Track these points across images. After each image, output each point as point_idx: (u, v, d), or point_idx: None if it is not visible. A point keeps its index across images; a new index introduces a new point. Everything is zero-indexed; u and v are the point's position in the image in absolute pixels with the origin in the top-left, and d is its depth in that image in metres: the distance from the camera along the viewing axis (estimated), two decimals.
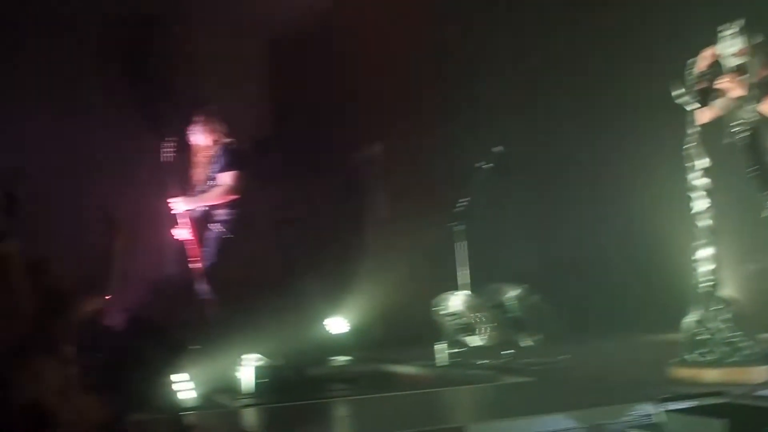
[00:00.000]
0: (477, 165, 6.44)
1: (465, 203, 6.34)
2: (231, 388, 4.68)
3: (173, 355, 2.78)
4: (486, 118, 8.33)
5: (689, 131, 4.20)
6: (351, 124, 9.93)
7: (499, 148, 6.38)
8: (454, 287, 6.32)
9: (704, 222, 4.13)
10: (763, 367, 3.81)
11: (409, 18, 9.00)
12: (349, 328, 7.31)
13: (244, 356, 4.78)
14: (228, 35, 9.27)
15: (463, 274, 6.27)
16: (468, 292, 6.11)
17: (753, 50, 4.22)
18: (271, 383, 4.71)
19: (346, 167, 9.90)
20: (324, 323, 7.17)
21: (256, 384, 4.66)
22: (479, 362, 5.56)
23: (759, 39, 4.23)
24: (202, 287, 5.65)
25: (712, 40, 4.34)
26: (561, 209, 7.91)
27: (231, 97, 8.57)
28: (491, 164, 6.38)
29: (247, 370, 4.67)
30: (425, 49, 9.09)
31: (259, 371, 4.69)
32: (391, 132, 9.22)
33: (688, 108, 4.24)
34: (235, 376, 4.73)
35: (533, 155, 7.98)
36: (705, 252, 4.11)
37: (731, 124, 4.41)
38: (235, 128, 6.75)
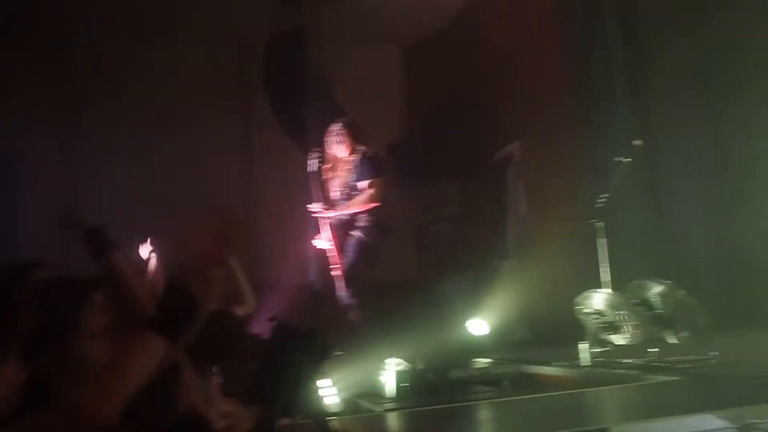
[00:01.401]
0: (616, 159, 6.31)
1: (605, 199, 6.23)
2: (373, 393, 4.85)
3: (319, 360, 2.95)
4: (626, 111, 8.13)
5: None
6: (489, 124, 9.98)
7: (638, 142, 6.22)
8: (597, 285, 6.23)
9: None
10: None
11: (543, 11, 8.94)
12: (490, 329, 7.35)
13: (386, 360, 4.94)
14: (363, 43, 9.58)
15: (605, 272, 6.16)
16: (610, 290, 6.00)
17: None
18: (413, 387, 4.83)
19: (486, 167, 9.96)
20: (465, 325, 7.25)
21: (398, 388, 4.79)
22: (624, 361, 5.45)
23: None
24: (344, 293, 5.90)
25: None
26: (704, 201, 7.58)
27: (370, 105, 8.87)
28: (630, 158, 6.23)
29: (389, 375, 4.81)
30: (561, 43, 8.97)
31: (401, 375, 4.82)
32: (529, 129, 9.19)
33: None
34: (378, 381, 4.89)
35: (676, 146, 7.71)
36: None
37: None
38: (373, 136, 7.00)
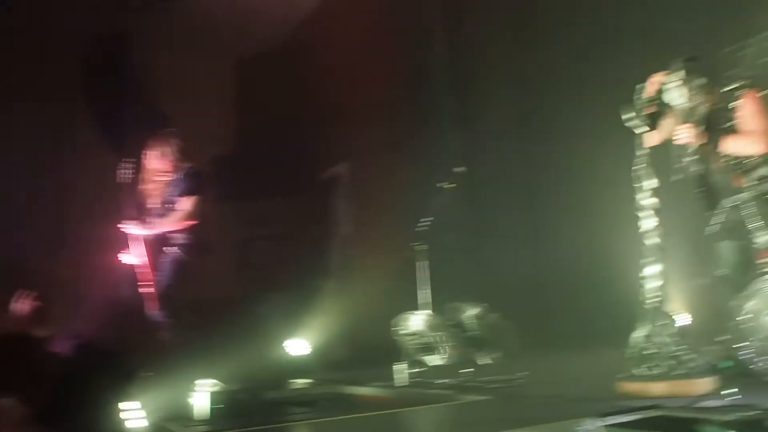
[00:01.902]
0: (439, 184, 6.51)
1: (427, 223, 6.40)
2: (184, 416, 4.63)
3: (122, 381, 2.73)
4: (450, 138, 8.44)
5: (638, 153, 4.32)
6: (318, 142, 9.97)
7: (461, 168, 6.46)
8: (416, 307, 6.36)
9: (652, 240, 4.24)
10: (706, 379, 3.92)
11: (375, 39, 9.08)
12: (309, 349, 7.29)
13: (198, 381, 4.74)
14: (192, 54, 9.27)
15: (424, 294, 6.32)
16: (428, 311, 6.16)
17: (698, 91, 4.34)
18: (227, 409, 4.67)
19: (311, 186, 9.92)
20: (284, 345, 7.15)
21: (211, 410, 4.61)
22: (438, 381, 5.59)
23: (700, 79, 4.35)
24: (156, 312, 5.61)
25: (663, 66, 4.44)
26: (518, 229, 8.02)
27: (195, 118, 8.56)
28: (453, 184, 6.45)
29: (201, 396, 4.62)
30: (392, 68, 9.16)
31: (215, 397, 4.64)
32: (357, 151, 9.27)
33: (637, 131, 4.36)
34: (189, 403, 4.68)
35: (495, 175, 8.09)
36: (652, 269, 4.22)
37: (676, 150, 4.52)
38: (199, 149, 6.74)
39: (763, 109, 4.40)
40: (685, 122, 4.37)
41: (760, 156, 4.33)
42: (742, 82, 4.46)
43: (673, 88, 4.33)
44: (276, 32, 9.92)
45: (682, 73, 4.30)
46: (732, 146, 4.34)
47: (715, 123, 4.37)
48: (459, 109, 8.55)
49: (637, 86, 4.44)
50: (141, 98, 8.73)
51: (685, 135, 4.37)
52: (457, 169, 6.38)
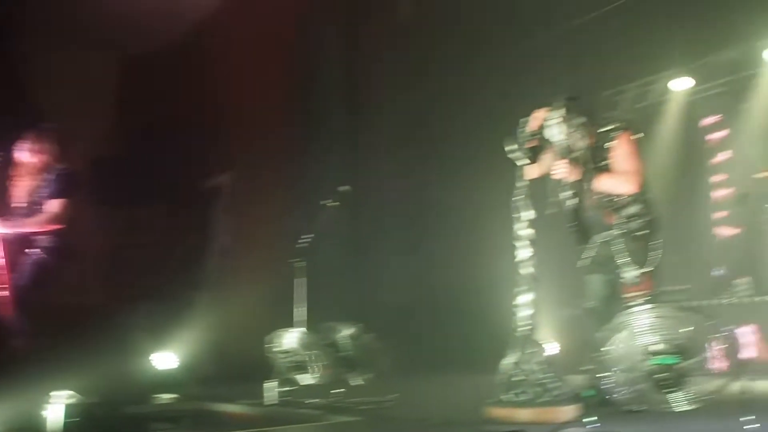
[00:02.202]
0: (323, 202, 6.46)
1: (308, 240, 6.33)
2: (36, 429, 4.33)
3: None
4: (337, 156, 8.42)
5: (518, 185, 4.43)
6: (200, 151, 9.70)
7: (345, 187, 6.43)
8: (292, 324, 6.26)
9: (526, 270, 4.33)
10: (569, 407, 4.03)
11: (267, 51, 8.96)
12: (177, 363, 7.02)
13: (53, 393, 4.44)
14: (78, 49, 8.85)
15: (300, 312, 6.23)
16: (302, 329, 6.07)
17: (577, 130, 4.50)
18: (83, 422, 4.40)
19: (191, 195, 9.64)
20: (151, 358, 6.85)
21: (66, 424, 4.33)
22: (308, 401, 5.50)
23: (580, 118, 4.52)
24: (10, 317, 5.23)
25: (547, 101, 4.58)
26: (399, 251, 8.10)
27: (76, 116, 8.14)
28: (336, 202, 6.41)
29: (55, 408, 4.33)
30: (283, 82, 9.07)
31: (70, 409, 4.36)
32: (241, 162, 9.09)
33: (519, 163, 4.46)
34: (42, 415, 4.38)
35: (379, 196, 8.14)
36: (525, 298, 4.32)
37: (554, 184, 4.67)
38: (76, 148, 6.39)
39: (635, 151, 4.60)
40: (563, 158, 4.52)
41: (630, 195, 4.53)
42: (618, 125, 4.66)
43: (554, 125, 4.47)
44: (168, 34, 9.62)
45: (562, 111, 4.45)
46: (605, 184, 4.51)
47: (591, 161, 4.53)
48: (348, 129, 8.56)
49: (522, 120, 4.56)
50: (17, 89, 8.23)
51: (563, 170, 4.52)
52: (341, 188, 6.35)
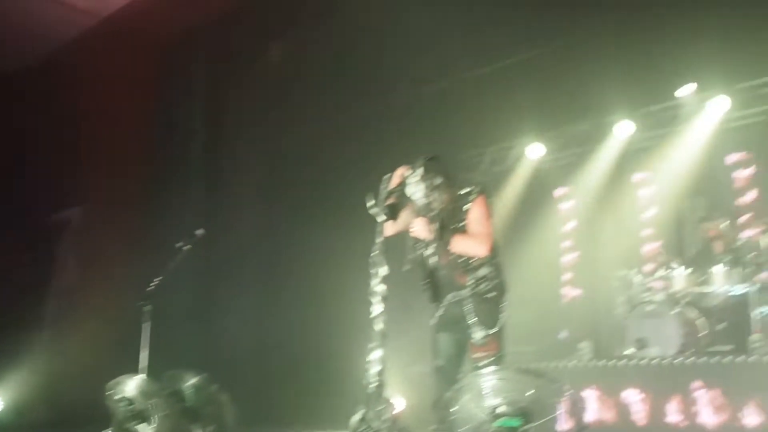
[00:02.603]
0: (177, 245, 6.24)
1: (158, 283, 6.08)
2: None
3: None
4: (194, 200, 8.22)
5: (376, 240, 4.44)
6: (52, 182, 9.20)
7: (200, 231, 6.25)
8: (137, 370, 5.95)
9: (378, 326, 4.33)
10: None
11: (129, 89, 8.68)
12: (5, 405, 6.50)
13: None
14: None
15: (145, 358, 5.94)
16: (144, 376, 5.78)
17: (434, 190, 4.60)
18: None
19: (36, 229, 9.09)
20: None
21: None
22: None
23: (439, 179, 4.62)
24: None
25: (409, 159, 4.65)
26: (253, 300, 7.94)
27: None
28: (190, 246, 6.22)
29: None
30: (142, 122, 8.81)
31: None
32: (96, 199, 8.69)
33: (378, 220, 4.49)
34: None
35: (236, 243, 7.98)
36: (376, 354, 4.30)
37: (412, 241, 4.73)
38: None
39: (489, 214, 4.72)
40: (421, 216, 4.59)
41: (482, 257, 4.64)
42: (475, 188, 4.78)
43: (413, 183, 4.55)
44: (26, 58, 9.16)
45: (421, 170, 4.54)
46: (459, 246, 4.59)
47: (448, 221, 4.61)
48: (207, 173, 8.38)
49: (384, 176, 4.60)
50: None
51: (420, 228, 4.58)
52: (196, 231, 6.17)
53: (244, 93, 8.40)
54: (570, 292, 10.03)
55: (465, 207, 4.65)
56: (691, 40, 7.50)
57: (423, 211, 4.58)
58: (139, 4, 8.28)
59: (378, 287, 4.36)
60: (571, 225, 10.32)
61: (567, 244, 10.29)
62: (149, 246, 7.86)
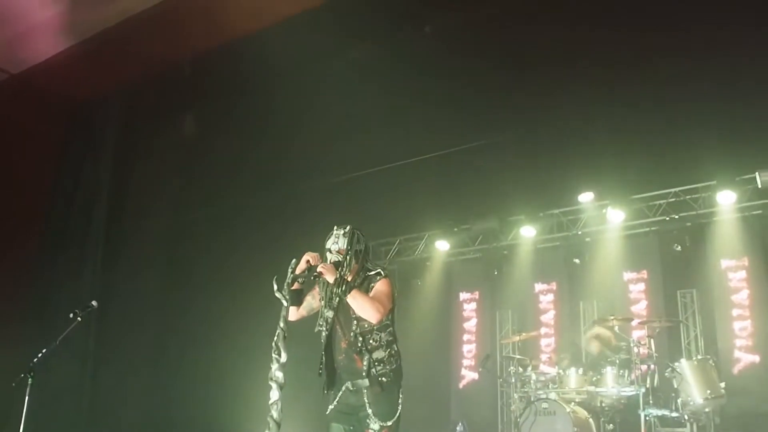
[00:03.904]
0: (70, 315, 5.99)
1: (43, 353, 5.79)
2: None
3: None
4: (87, 271, 7.93)
5: (280, 325, 4.38)
6: None
7: (94, 303, 6.03)
8: None
9: (275, 413, 4.22)
10: None
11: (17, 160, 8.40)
12: None
13: None
14: None
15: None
16: None
17: (351, 252, 4.64)
18: None
19: None
20: None
21: None
22: None
23: (359, 246, 4.67)
24: None
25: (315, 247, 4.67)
26: (142, 378, 7.61)
27: None
28: (80, 317, 5.97)
29: None
30: (36, 190, 8.52)
31: None
32: None
33: (284, 304, 4.45)
34: None
35: (129, 318, 7.70)
36: None
37: (318, 323, 4.69)
38: None
39: (390, 294, 4.69)
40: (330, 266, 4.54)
41: (377, 336, 4.58)
42: (381, 270, 4.78)
43: (338, 237, 4.58)
44: None
45: (350, 229, 4.60)
46: (357, 301, 4.48)
47: (350, 286, 4.57)
48: (107, 244, 8.11)
49: (293, 261, 4.60)
50: None
51: (327, 270, 4.51)
52: (91, 303, 5.95)
53: (152, 164, 8.28)
54: (467, 385, 10.13)
55: (369, 283, 4.66)
56: (590, 152, 7.93)
57: (334, 265, 4.57)
58: (52, 65, 8.15)
59: (276, 373, 4.29)
60: (473, 322, 10.53)
61: (468, 337, 10.45)
62: (39, 315, 7.49)
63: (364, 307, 4.53)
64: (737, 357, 8.47)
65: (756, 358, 8.39)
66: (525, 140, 7.97)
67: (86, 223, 8.22)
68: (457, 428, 8.95)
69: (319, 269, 4.55)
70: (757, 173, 7.98)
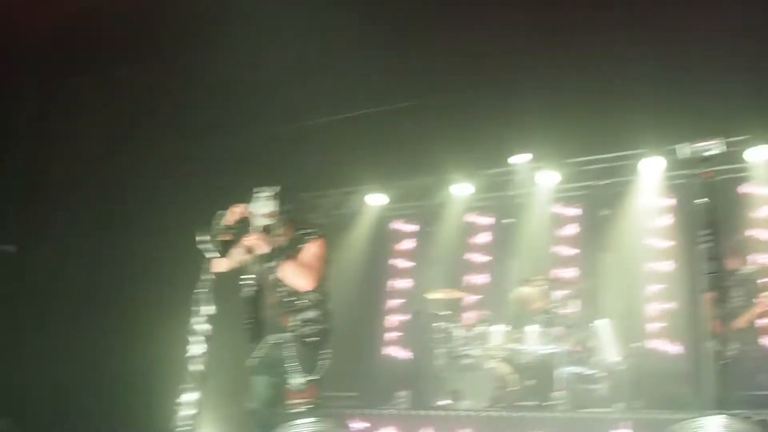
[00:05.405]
0: None
1: None
2: None
3: None
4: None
5: (202, 277, 4.34)
6: None
7: (9, 246, 5.82)
8: None
9: (195, 366, 4.20)
10: None
11: None
12: None
13: None
14: None
15: None
16: None
17: (281, 215, 4.60)
18: None
19: None
20: None
21: None
22: None
23: (288, 206, 4.64)
24: None
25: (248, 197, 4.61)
26: (64, 328, 7.40)
27: None
28: None
29: None
30: None
31: None
32: None
33: (207, 255, 4.40)
34: None
35: (50, 263, 7.47)
36: (189, 396, 4.17)
37: (242, 277, 4.67)
38: None
39: (323, 256, 4.71)
40: (259, 233, 4.50)
41: (309, 299, 4.62)
42: (315, 230, 4.78)
43: (263, 200, 4.50)
44: None
45: (277, 190, 4.52)
46: (287, 272, 4.50)
47: (280, 255, 4.57)
48: (29, 185, 7.83)
49: (218, 212, 4.54)
50: None
51: (257, 241, 4.49)
52: (6, 247, 5.74)
53: (81, 109, 7.99)
54: (393, 349, 10.29)
55: (302, 245, 4.65)
56: (527, 115, 8.02)
57: (263, 230, 4.53)
58: None
59: (199, 326, 4.26)
60: (403, 282, 10.63)
61: (397, 302, 10.56)
62: None
63: (294, 279, 4.54)
64: (651, 317, 8.84)
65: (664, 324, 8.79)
66: (464, 102, 8.00)
67: (11, 161, 7.92)
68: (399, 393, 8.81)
69: (250, 243, 4.50)
70: (676, 146, 8.18)
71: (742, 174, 8.58)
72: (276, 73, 7.29)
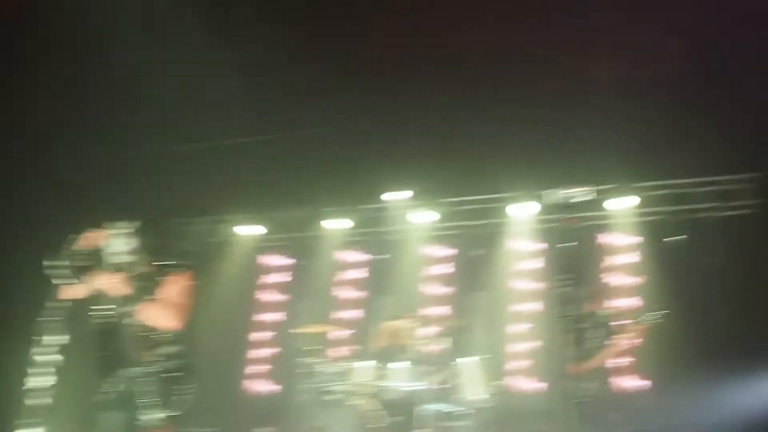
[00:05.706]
0: None
1: None
2: None
3: None
4: None
5: (49, 305, 4.06)
6: None
7: None
8: None
9: (38, 400, 3.93)
10: None
11: None
12: None
13: None
14: None
15: None
16: None
17: (142, 251, 4.36)
18: None
19: None
20: None
21: None
22: None
23: (151, 240, 4.40)
24: None
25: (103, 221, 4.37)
26: None
27: None
28: None
29: None
30: None
31: None
32: None
33: (54, 281, 4.12)
34: None
35: None
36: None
37: (95, 307, 4.40)
38: None
39: (189, 290, 4.51)
40: (118, 273, 4.26)
41: (169, 333, 4.40)
42: (180, 263, 4.56)
43: (122, 237, 4.26)
44: None
45: (135, 227, 4.29)
46: (151, 314, 4.29)
47: (146, 287, 4.35)
48: None
49: (69, 236, 4.28)
50: None
51: (115, 284, 4.24)
52: None
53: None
54: (257, 384, 10.05)
55: (166, 277, 4.43)
56: (405, 152, 8.13)
57: (122, 269, 4.28)
58: None
59: (43, 357, 3.97)
60: (277, 316, 10.45)
61: (266, 335, 10.35)
62: None
63: (161, 318, 4.31)
64: (516, 356, 9.11)
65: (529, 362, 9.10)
66: (347, 135, 8.02)
67: None
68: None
69: (106, 286, 4.24)
70: (543, 192, 8.53)
71: (604, 222, 9.02)
72: (149, 97, 7.04)
